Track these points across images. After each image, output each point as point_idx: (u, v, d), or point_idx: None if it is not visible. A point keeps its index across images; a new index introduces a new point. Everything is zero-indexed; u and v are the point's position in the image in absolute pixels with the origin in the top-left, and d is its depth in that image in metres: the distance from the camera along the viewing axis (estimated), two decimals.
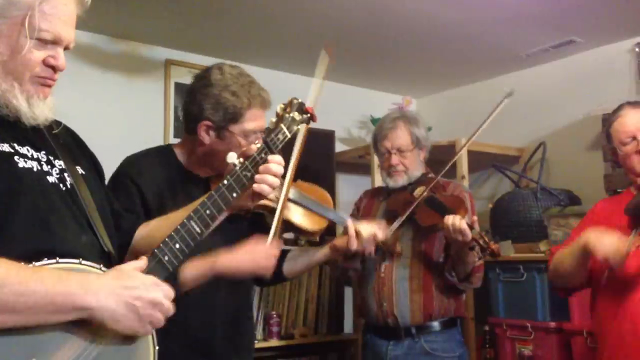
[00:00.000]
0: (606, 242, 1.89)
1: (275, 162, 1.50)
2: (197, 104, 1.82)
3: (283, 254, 2.09)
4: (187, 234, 1.30)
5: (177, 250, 1.28)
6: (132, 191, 1.78)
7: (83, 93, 3.23)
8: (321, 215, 1.96)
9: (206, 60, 3.61)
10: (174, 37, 3.38)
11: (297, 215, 1.93)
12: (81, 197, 1.29)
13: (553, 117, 3.70)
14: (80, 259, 1.18)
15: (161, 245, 1.27)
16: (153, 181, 1.82)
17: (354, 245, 2.02)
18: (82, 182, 1.32)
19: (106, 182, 1.82)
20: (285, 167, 1.67)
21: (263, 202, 1.80)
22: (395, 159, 2.48)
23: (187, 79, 3.51)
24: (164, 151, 1.96)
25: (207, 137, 1.82)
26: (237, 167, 1.44)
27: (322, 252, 2.10)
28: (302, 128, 1.69)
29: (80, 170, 1.35)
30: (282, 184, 1.71)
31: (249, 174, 1.45)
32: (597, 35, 3.37)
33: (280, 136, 1.56)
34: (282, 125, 1.57)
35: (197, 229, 1.33)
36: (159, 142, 3.45)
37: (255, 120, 1.82)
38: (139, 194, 1.79)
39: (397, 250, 2.13)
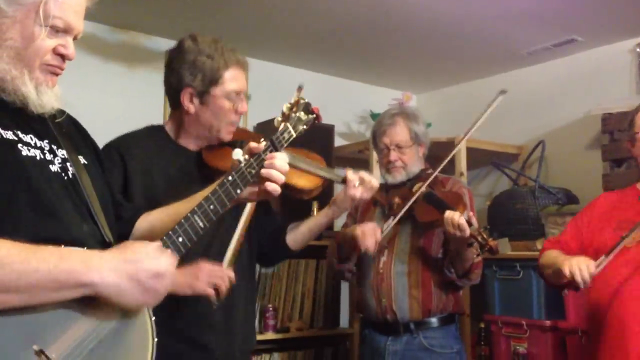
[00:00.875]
0: (573, 262, 1.96)
1: (280, 158, 1.50)
2: (176, 73, 1.84)
3: (283, 228, 2.09)
4: (190, 228, 1.31)
5: (180, 244, 1.29)
6: (116, 163, 1.79)
7: (83, 82, 3.22)
8: (315, 173, 1.95)
9: None
10: (174, 28, 3.36)
11: (291, 177, 1.94)
12: (83, 186, 1.30)
13: (553, 115, 3.70)
14: (85, 248, 1.18)
15: (164, 237, 1.27)
16: (142, 155, 1.83)
17: (353, 191, 1.98)
18: (84, 172, 1.32)
19: None
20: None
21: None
22: (394, 155, 2.48)
23: None
24: (154, 128, 1.97)
25: (191, 105, 1.83)
26: (242, 164, 1.44)
27: (324, 212, 2.08)
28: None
29: (82, 160, 1.35)
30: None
31: (253, 171, 1.46)
32: (598, 34, 3.37)
33: (286, 135, 1.58)
34: (288, 125, 1.60)
35: (201, 224, 1.33)
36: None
37: (235, 81, 1.84)
38: (123, 166, 1.80)
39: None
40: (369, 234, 2.24)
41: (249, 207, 1.70)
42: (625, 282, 2.00)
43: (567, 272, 1.94)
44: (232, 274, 1.73)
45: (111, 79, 3.34)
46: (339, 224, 2.99)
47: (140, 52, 3.46)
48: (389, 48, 3.63)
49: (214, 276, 1.70)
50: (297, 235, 2.08)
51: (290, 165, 1.88)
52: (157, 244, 1.23)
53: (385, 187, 2.61)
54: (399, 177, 2.49)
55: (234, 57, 1.85)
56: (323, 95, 3.87)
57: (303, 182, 1.92)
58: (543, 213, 3.25)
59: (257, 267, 2.34)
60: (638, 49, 3.37)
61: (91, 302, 1.15)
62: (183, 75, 1.81)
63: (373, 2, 2.97)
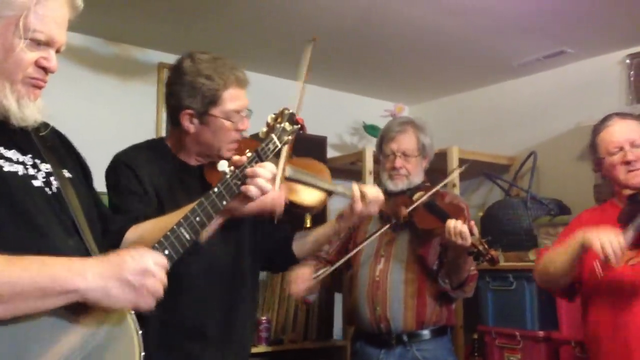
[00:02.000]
0: (604, 238, 1.88)
1: (265, 167, 1.50)
2: (175, 94, 1.83)
3: (291, 236, 2.08)
4: (176, 241, 1.30)
5: (167, 257, 1.27)
6: (129, 176, 1.79)
7: (76, 95, 3.22)
8: (320, 188, 1.93)
9: None
10: (167, 41, 3.38)
11: (296, 193, 1.91)
12: (67, 200, 1.29)
13: (544, 126, 3.72)
14: None
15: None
16: (148, 169, 1.83)
17: (359, 206, 1.95)
18: (68, 186, 1.31)
19: (95, 182, 1.82)
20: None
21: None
22: (399, 162, 2.49)
23: None
24: (156, 144, 1.96)
25: (191, 125, 1.83)
26: (228, 175, 1.44)
27: (329, 225, 2.06)
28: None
29: (67, 173, 1.34)
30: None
31: (239, 182, 1.46)
32: (588, 46, 3.40)
33: (271, 146, 1.57)
34: (272, 135, 1.59)
35: (187, 236, 1.32)
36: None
37: (235, 100, 1.83)
38: (135, 177, 1.79)
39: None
40: (295, 280, 2.21)
41: (278, 177, 1.65)
42: (625, 302, 1.98)
43: (598, 247, 1.87)
44: (282, 194, 1.71)
45: (104, 91, 3.34)
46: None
47: (133, 65, 3.46)
48: (381, 60, 3.65)
49: (275, 194, 1.64)
50: (304, 244, 2.07)
51: (293, 180, 1.86)
52: (140, 249, 1.21)
53: (385, 194, 2.61)
54: (400, 185, 2.49)
55: (233, 76, 1.82)
56: (316, 107, 3.88)
57: (305, 198, 1.90)
58: (535, 224, 3.26)
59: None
60: (627, 61, 3.40)
61: (80, 311, 1.13)
62: (182, 96, 1.81)
63: (365, 14, 2.99)
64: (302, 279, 2.19)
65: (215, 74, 1.80)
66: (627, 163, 2.08)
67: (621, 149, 2.10)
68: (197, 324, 1.80)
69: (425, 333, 2.41)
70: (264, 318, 3.32)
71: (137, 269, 1.15)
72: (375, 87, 4.17)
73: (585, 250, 1.96)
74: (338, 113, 4.14)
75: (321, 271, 2.27)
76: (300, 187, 1.90)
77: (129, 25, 3.18)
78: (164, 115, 3.50)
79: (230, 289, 1.88)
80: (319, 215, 2.15)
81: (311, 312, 3.55)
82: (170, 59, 3.52)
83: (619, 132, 2.12)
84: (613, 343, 2.00)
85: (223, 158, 1.87)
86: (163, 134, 3.48)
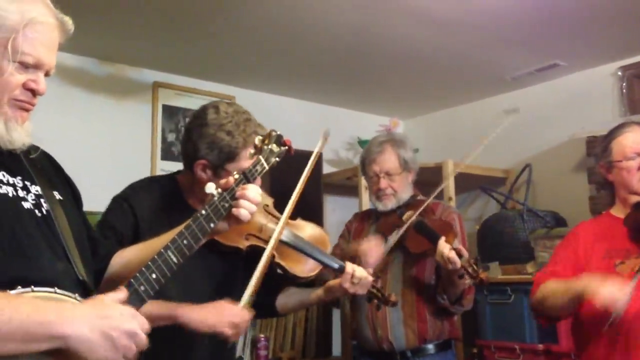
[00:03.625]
0: (606, 291, 1.82)
1: (253, 189, 1.49)
2: (193, 143, 1.81)
3: (278, 291, 2.08)
4: (164, 264, 1.29)
5: (154, 280, 1.26)
6: (127, 214, 1.79)
7: (70, 116, 3.23)
8: (315, 260, 1.92)
9: (194, 83, 3.63)
10: (162, 60, 3.39)
11: (290, 260, 1.88)
12: (57, 223, 1.27)
13: (538, 139, 3.73)
14: (55, 288, 1.15)
15: (137, 274, 1.25)
16: (150, 211, 1.82)
17: (348, 286, 1.98)
18: (58, 208, 1.30)
19: (89, 202, 1.81)
20: (283, 196, 1.66)
21: (255, 242, 1.80)
22: (384, 183, 2.48)
23: (175, 101, 3.56)
24: (169, 182, 1.95)
25: (204, 175, 1.81)
26: (216, 198, 1.44)
27: (316, 294, 2.06)
28: (307, 167, 1.72)
29: (57, 195, 1.33)
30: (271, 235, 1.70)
31: (227, 205, 1.45)
32: (580, 59, 3.42)
33: (259, 168, 1.57)
34: (260, 157, 1.59)
35: (174, 259, 1.31)
36: (146, 164, 3.44)
37: (252, 159, 1.82)
38: (134, 218, 1.79)
39: (392, 300, 2.10)
40: (370, 253, 2.24)
41: (263, 260, 1.67)
42: (629, 312, 1.93)
43: (601, 304, 1.80)
44: (250, 315, 1.70)
45: (99, 111, 3.35)
46: (333, 240, 2.96)
47: (128, 85, 3.47)
48: (376, 75, 3.67)
49: (234, 316, 1.67)
50: (288, 302, 2.08)
51: (290, 246, 1.86)
52: (124, 295, 1.20)
53: (375, 215, 2.62)
54: (389, 204, 2.49)
55: (255, 135, 1.78)
56: (310, 122, 3.89)
57: (300, 269, 1.89)
58: (532, 236, 3.26)
59: None
60: (620, 73, 3.42)
61: (59, 355, 1.11)
62: (200, 147, 1.79)
63: (359, 30, 3.01)
64: (376, 250, 2.23)
65: (237, 131, 1.79)
66: None
67: (639, 154, 2.11)
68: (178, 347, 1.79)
69: (430, 347, 2.41)
70: (262, 336, 3.30)
71: (125, 331, 1.13)
72: (370, 103, 4.19)
73: (587, 300, 1.89)
74: (333, 129, 4.07)
75: (390, 241, 2.28)
76: (295, 254, 1.88)
77: (123, 45, 3.19)
78: (159, 135, 3.51)
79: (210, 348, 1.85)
80: None
81: (309, 329, 3.53)
82: (165, 78, 3.56)
83: (638, 138, 2.14)
84: (622, 349, 1.95)
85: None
86: (158, 153, 3.48)
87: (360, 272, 1.99)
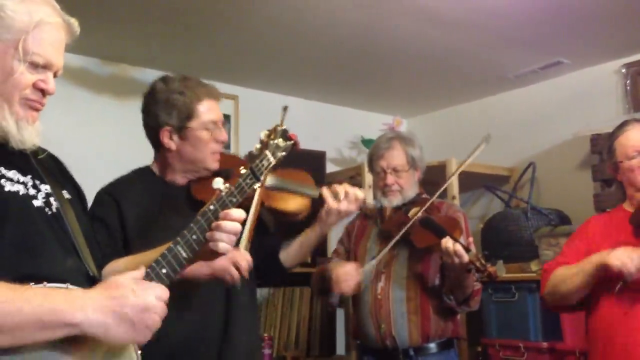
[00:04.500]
0: (624, 257, 1.92)
1: (232, 217, 1.41)
2: (152, 114, 1.89)
3: (278, 247, 2.09)
4: (174, 259, 1.29)
5: (164, 275, 1.26)
6: (112, 206, 1.81)
7: (74, 116, 3.23)
8: (303, 194, 1.97)
9: None
10: (165, 60, 3.39)
11: (279, 200, 1.94)
12: (67, 221, 1.29)
13: (542, 137, 3.73)
14: (68, 284, 1.17)
15: (148, 270, 1.25)
16: (134, 197, 1.85)
17: (332, 205, 1.99)
18: (68, 207, 1.32)
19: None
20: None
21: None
22: (390, 179, 2.49)
23: None
24: (141, 171, 1.99)
25: (172, 142, 1.87)
26: (224, 193, 1.43)
27: (312, 230, 2.07)
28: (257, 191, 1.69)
29: (66, 194, 1.35)
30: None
31: (234, 200, 1.45)
32: (584, 56, 3.41)
33: (265, 162, 1.57)
34: (266, 152, 1.59)
35: (184, 254, 1.31)
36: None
37: (210, 112, 1.89)
38: (118, 210, 1.81)
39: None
40: (344, 278, 2.22)
41: (253, 206, 1.70)
42: (630, 308, 1.98)
43: (617, 263, 1.91)
44: (248, 256, 1.71)
45: (102, 111, 3.35)
46: (333, 245, 2.97)
47: (131, 84, 3.47)
48: (379, 74, 3.66)
49: (233, 255, 1.66)
50: (289, 252, 2.09)
51: (277, 189, 1.90)
52: (141, 274, 1.20)
53: (380, 211, 2.62)
54: (395, 201, 2.49)
55: (205, 90, 1.90)
56: (314, 121, 3.90)
57: (288, 205, 1.94)
58: (536, 234, 3.25)
59: None
60: (623, 70, 3.41)
61: (76, 342, 1.12)
62: (159, 114, 1.87)
63: (362, 29, 3.01)
64: (351, 275, 2.20)
65: (187, 89, 1.87)
66: None
67: None
68: (192, 345, 1.79)
69: (432, 346, 2.40)
70: (266, 335, 3.30)
71: (138, 306, 1.13)
72: (373, 101, 4.19)
73: (602, 271, 1.98)
74: (337, 127, 4.16)
75: (367, 266, 2.26)
76: (283, 195, 1.94)
77: (127, 44, 3.19)
78: None
79: (225, 309, 1.87)
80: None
81: (313, 327, 3.53)
82: None
83: (638, 136, 2.15)
84: (627, 341, 1.98)
85: (209, 170, 1.90)
86: None
87: (341, 187, 2.02)
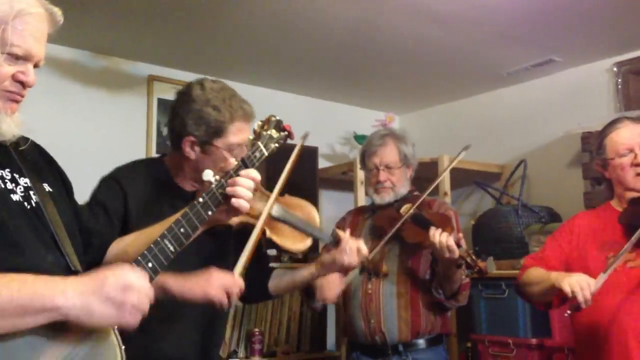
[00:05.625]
0: (572, 280, 1.90)
1: (247, 176, 1.47)
2: (180, 120, 1.81)
3: (269, 272, 2.07)
4: (160, 253, 1.28)
5: (150, 270, 1.25)
6: (117, 193, 1.78)
7: (65, 109, 3.22)
8: (306, 233, 1.92)
9: (189, 77, 3.58)
10: (157, 53, 3.38)
11: (281, 234, 1.88)
12: (47, 215, 1.27)
13: (533, 134, 3.74)
14: None
15: (134, 263, 1.24)
16: (140, 191, 1.82)
17: (344, 257, 1.95)
18: (48, 200, 1.29)
19: (84, 195, 1.79)
20: (273, 185, 1.65)
21: (245, 219, 1.78)
22: (383, 175, 2.49)
23: (170, 95, 3.52)
24: (155, 163, 1.96)
25: (192, 152, 1.81)
26: (213, 185, 1.43)
27: (308, 271, 2.04)
28: (297, 145, 1.69)
29: (47, 187, 1.33)
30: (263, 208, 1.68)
31: (224, 192, 1.44)
32: (576, 54, 3.42)
33: (258, 154, 1.56)
34: (259, 143, 1.58)
35: (171, 248, 1.30)
36: (141, 157, 3.43)
37: (239, 134, 1.82)
38: (123, 197, 1.78)
39: (383, 271, 2.10)
40: (328, 287, 2.18)
41: (253, 235, 1.66)
42: (621, 304, 1.98)
43: (568, 290, 1.89)
44: (242, 283, 1.69)
45: (94, 104, 3.34)
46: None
47: (123, 78, 3.46)
48: (372, 70, 3.66)
49: (226, 282, 1.65)
50: (280, 283, 2.06)
51: (281, 221, 1.85)
52: (122, 266, 1.19)
53: (372, 208, 2.62)
54: (387, 197, 2.50)
55: (241, 111, 1.81)
56: (307, 117, 3.89)
57: (291, 242, 1.88)
58: (526, 231, 3.27)
59: None
60: (615, 69, 3.42)
61: (60, 330, 1.11)
62: (187, 123, 1.79)
63: (356, 24, 3.01)
64: (334, 284, 2.17)
65: (224, 106, 1.78)
66: (637, 165, 2.10)
67: (631, 150, 2.11)
68: (174, 344, 1.80)
69: (421, 342, 2.41)
70: (256, 330, 3.31)
71: (118, 285, 1.11)
72: (366, 97, 4.19)
73: (557, 291, 1.98)
74: (329, 123, 4.15)
75: (350, 275, 2.27)
76: (286, 229, 1.88)
77: (119, 38, 3.18)
78: (154, 129, 3.50)
79: (206, 326, 1.87)
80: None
81: (304, 323, 3.54)
82: (160, 71, 3.54)
83: (630, 134, 2.14)
84: (608, 344, 2.00)
85: None
86: (153, 147, 3.48)
87: (353, 241, 1.98)
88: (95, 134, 3.30)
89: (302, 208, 1.98)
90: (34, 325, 1.08)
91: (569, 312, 1.97)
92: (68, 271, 1.25)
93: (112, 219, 1.73)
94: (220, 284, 1.63)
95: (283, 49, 3.34)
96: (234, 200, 1.45)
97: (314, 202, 3.84)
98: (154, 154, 3.45)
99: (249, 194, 1.47)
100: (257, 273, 2.01)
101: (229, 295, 1.65)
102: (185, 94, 1.84)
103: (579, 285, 1.87)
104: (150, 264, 1.26)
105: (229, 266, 1.83)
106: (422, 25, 3.01)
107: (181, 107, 1.82)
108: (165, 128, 3.51)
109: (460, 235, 2.24)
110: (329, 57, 3.43)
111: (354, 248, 1.97)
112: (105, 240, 1.50)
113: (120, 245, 1.49)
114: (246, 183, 1.46)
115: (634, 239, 1.94)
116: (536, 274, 2.14)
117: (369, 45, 3.27)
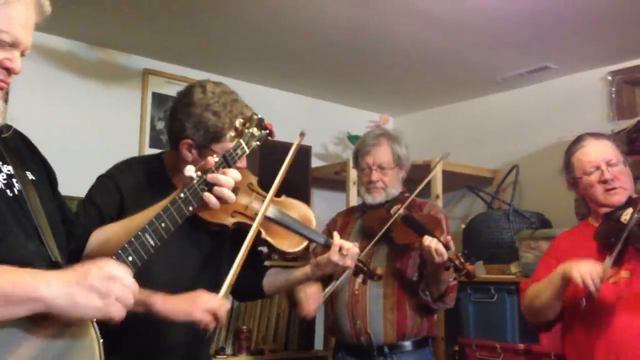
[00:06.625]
0: (584, 270, 1.90)
1: (228, 175, 1.47)
2: (179, 122, 1.80)
3: (264, 270, 2.07)
4: (140, 247, 1.27)
5: (130, 263, 1.24)
6: (112, 192, 1.78)
7: (58, 99, 3.20)
8: (302, 235, 1.91)
9: (184, 71, 3.61)
10: (153, 47, 3.37)
11: (277, 235, 1.87)
12: (30, 203, 1.26)
13: (526, 140, 3.75)
14: (30, 267, 1.14)
15: (114, 257, 1.23)
16: (136, 190, 1.81)
17: (336, 257, 1.94)
18: (31, 188, 1.28)
19: (75, 187, 1.78)
20: (268, 184, 1.63)
21: (241, 220, 1.78)
22: (375, 175, 2.49)
23: (165, 89, 3.54)
24: (154, 161, 1.94)
25: (189, 154, 1.80)
26: (195, 181, 1.43)
27: (302, 272, 2.02)
28: (294, 145, 1.69)
29: (30, 175, 1.32)
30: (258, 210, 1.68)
31: (205, 188, 1.44)
32: (571, 62, 3.44)
33: (239, 151, 1.56)
34: (240, 141, 1.57)
35: (151, 242, 1.30)
36: (134, 151, 3.43)
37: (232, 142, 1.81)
38: (119, 197, 1.78)
39: (378, 273, 2.09)
40: (307, 302, 2.14)
41: (248, 240, 1.65)
42: (608, 317, 1.98)
43: (579, 280, 1.89)
44: (228, 304, 1.68)
45: (88, 96, 3.32)
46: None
47: (118, 70, 3.44)
48: (367, 71, 3.66)
49: (211, 306, 1.64)
50: (274, 283, 2.05)
51: (276, 222, 1.84)
52: (106, 260, 1.18)
53: (362, 208, 2.62)
54: (378, 197, 2.50)
55: (241, 116, 1.77)
56: (301, 116, 3.89)
57: (286, 244, 1.87)
58: (517, 237, 3.28)
59: None
60: (609, 77, 3.44)
61: (36, 324, 1.10)
62: (186, 127, 1.78)
63: (352, 25, 3.01)
64: (314, 298, 2.14)
65: (224, 112, 1.77)
66: (605, 182, 2.10)
67: (597, 168, 2.11)
68: (163, 344, 1.80)
69: (407, 344, 2.41)
70: (244, 328, 3.30)
71: (102, 275, 1.11)
72: (361, 98, 4.19)
73: (567, 282, 1.97)
74: (323, 123, 4.15)
75: (328, 288, 2.26)
76: (281, 230, 1.87)
77: (115, 30, 3.16)
78: (148, 122, 3.49)
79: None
80: None
81: (292, 322, 3.53)
82: (156, 65, 3.53)
83: (595, 151, 2.14)
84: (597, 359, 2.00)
85: None
86: (146, 140, 3.46)
87: (347, 243, 1.97)
88: (89, 126, 3.29)
89: (298, 209, 1.97)
90: (16, 317, 1.07)
91: (583, 302, 1.97)
92: (49, 261, 1.24)
93: (104, 219, 1.71)
94: (205, 307, 1.62)
95: (278, 47, 3.33)
96: (205, 197, 1.44)
97: (306, 201, 3.84)
98: (147, 147, 3.44)
99: (230, 196, 1.46)
100: (251, 271, 2.00)
101: (215, 318, 1.64)
102: (186, 96, 1.82)
103: (590, 275, 1.88)
104: (130, 258, 1.25)
105: (223, 266, 1.83)
106: (418, 27, 3.01)
107: (181, 109, 1.81)
108: (159, 122, 3.52)
109: (449, 237, 2.24)
110: (325, 56, 3.43)
111: (350, 250, 1.97)
112: (86, 229, 1.49)
113: (101, 233, 1.48)
114: (226, 180, 1.46)
115: (612, 256, 1.92)
116: (538, 285, 2.13)
117: (365, 46, 3.27)
